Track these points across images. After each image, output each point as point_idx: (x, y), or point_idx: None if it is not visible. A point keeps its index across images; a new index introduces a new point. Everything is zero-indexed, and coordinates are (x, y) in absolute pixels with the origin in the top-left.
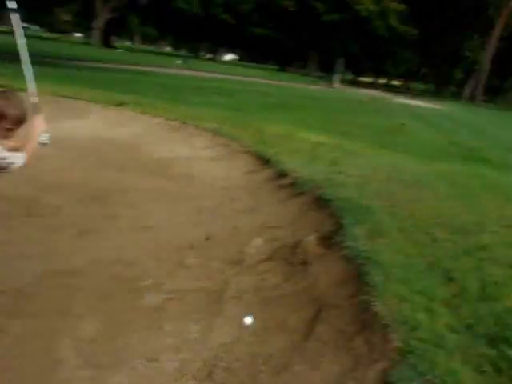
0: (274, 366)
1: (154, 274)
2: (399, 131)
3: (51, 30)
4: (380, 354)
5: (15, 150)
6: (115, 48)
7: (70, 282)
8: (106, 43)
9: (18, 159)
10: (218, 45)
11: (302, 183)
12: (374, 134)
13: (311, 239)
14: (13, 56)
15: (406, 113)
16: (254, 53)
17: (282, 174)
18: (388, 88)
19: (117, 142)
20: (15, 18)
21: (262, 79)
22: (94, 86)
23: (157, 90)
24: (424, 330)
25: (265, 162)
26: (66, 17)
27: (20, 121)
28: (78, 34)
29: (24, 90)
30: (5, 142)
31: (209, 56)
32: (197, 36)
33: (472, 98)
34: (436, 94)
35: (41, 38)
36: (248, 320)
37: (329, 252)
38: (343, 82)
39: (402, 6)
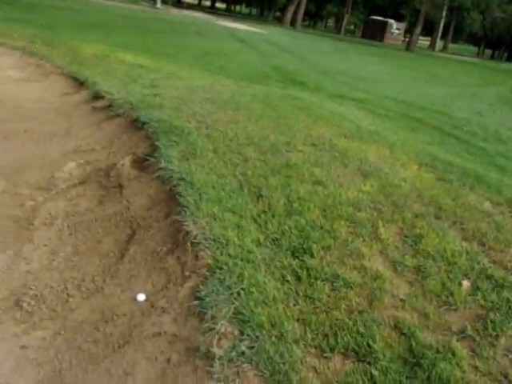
0: (86, 290)
1: None
2: (220, 54)
3: None
4: (191, 272)
5: None
6: None
7: None
8: None
9: None
10: None
11: (118, 105)
12: (195, 57)
13: (126, 162)
14: None
15: (228, 35)
16: None
17: (97, 96)
18: (212, 10)
19: None
20: None
21: None
22: None
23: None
24: (233, 246)
25: (80, 83)
26: None
27: None
28: None
29: None
30: None
31: None
32: None
33: (293, 23)
34: (259, 18)
35: None
36: (141, 297)
37: (143, 174)
38: (167, 3)
39: None
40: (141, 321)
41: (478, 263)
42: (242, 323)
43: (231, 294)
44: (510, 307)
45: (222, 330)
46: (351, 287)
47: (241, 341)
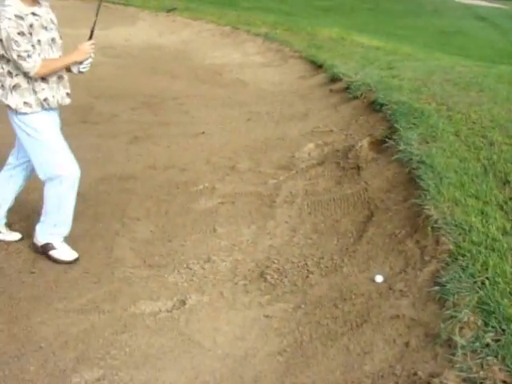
0: (324, 267)
1: (207, 179)
2: (458, 33)
3: None
4: (431, 257)
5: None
6: None
7: (127, 186)
8: None
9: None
10: None
11: (356, 88)
12: (431, 37)
13: (364, 144)
14: None
15: (467, 13)
16: None
17: (334, 79)
18: None
19: (168, 49)
20: None
21: None
22: None
23: None
24: (477, 233)
25: (317, 66)
26: None
27: None
28: None
29: None
30: None
31: None
32: None
33: None
34: None
35: None
36: (379, 278)
37: (382, 156)
38: None
39: None
40: (378, 302)
41: None
42: (487, 314)
43: (474, 282)
44: None
45: (465, 318)
46: None
47: (485, 332)
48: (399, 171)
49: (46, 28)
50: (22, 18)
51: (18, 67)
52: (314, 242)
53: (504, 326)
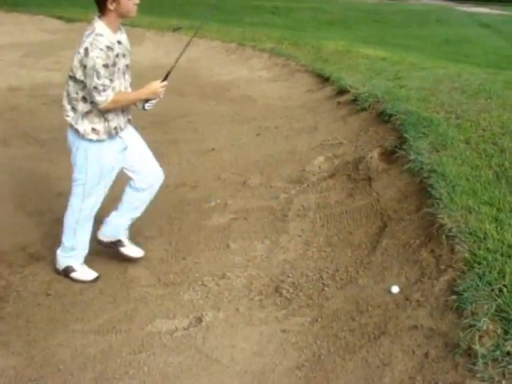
0: (340, 280)
1: (219, 195)
2: (462, 41)
3: None
4: (446, 266)
5: None
6: None
7: None
8: None
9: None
10: None
11: (363, 99)
12: (436, 46)
13: (374, 155)
14: None
15: (470, 21)
16: None
17: (342, 91)
18: None
19: (175, 68)
20: None
21: None
22: (150, 12)
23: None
24: (492, 241)
25: (324, 79)
26: None
27: None
28: None
29: None
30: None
31: None
32: None
33: None
34: None
35: None
36: (395, 289)
37: (392, 167)
38: None
39: None
40: (396, 313)
41: None
42: (506, 322)
43: (492, 290)
44: None
45: (484, 327)
46: None
47: (505, 340)
48: (411, 181)
49: (124, 55)
50: (112, 49)
51: (90, 95)
52: (328, 255)
53: None
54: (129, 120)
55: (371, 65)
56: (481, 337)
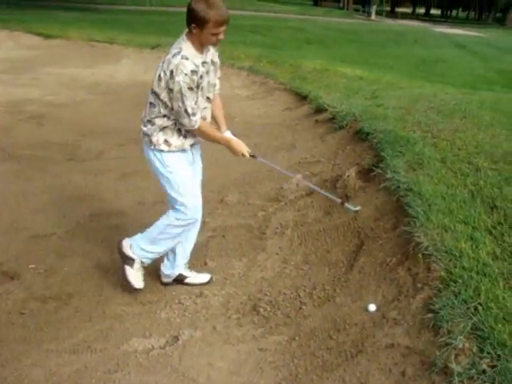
0: (317, 298)
1: None
2: (439, 61)
3: None
4: (423, 284)
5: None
6: None
7: (116, 223)
8: None
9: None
10: None
11: (341, 117)
12: (413, 65)
13: (351, 173)
14: None
15: (446, 42)
16: None
17: (320, 110)
18: (427, 18)
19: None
20: None
21: (296, 15)
22: (129, 29)
23: None
24: (467, 259)
25: (302, 98)
26: None
27: (223, 22)
28: None
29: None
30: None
31: None
32: None
33: None
34: (478, 22)
35: None
36: (372, 308)
37: (369, 185)
38: (380, 14)
39: None
40: (373, 331)
41: None
42: (481, 340)
43: (467, 308)
44: None
45: (460, 345)
46: None
47: (481, 358)
48: (387, 199)
49: (208, 73)
50: (196, 72)
51: (177, 117)
52: (305, 273)
53: (499, 352)
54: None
55: (349, 84)
56: (457, 355)
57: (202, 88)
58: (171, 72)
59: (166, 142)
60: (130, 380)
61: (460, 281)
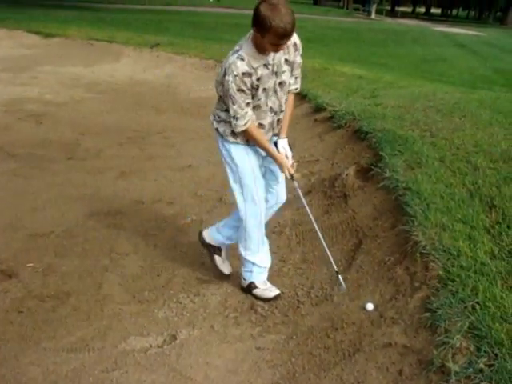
0: (315, 297)
1: (195, 212)
2: (438, 60)
3: None
4: (421, 283)
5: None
6: None
7: (114, 222)
8: None
9: (239, 120)
10: None
11: (340, 117)
12: (412, 65)
13: (350, 172)
14: None
15: (446, 41)
16: None
17: (319, 109)
18: (427, 17)
19: (153, 84)
20: None
21: (296, 13)
22: (128, 28)
23: (190, 29)
24: (465, 258)
25: (301, 97)
26: None
27: (284, 36)
28: None
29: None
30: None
31: None
32: None
33: None
34: (478, 21)
35: None
36: (370, 306)
37: (368, 184)
38: (380, 13)
39: None
40: (370, 330)
41: None
42: (479, 339)
43: (465, 307)
44: None
45: (457, 344)
46: None
47: (478, 357)
48: (386, 198)
49: (276, 73)
50: (250, 75)
51: None
52: (303, 272)
53: (496, 351)
54: (274, 135)
55: (348, 83)
56: (454, 354)
57: (265, 90)
58: (225, 69)
59: (232, 133)
60: (128, 379)
61: (458, 280)
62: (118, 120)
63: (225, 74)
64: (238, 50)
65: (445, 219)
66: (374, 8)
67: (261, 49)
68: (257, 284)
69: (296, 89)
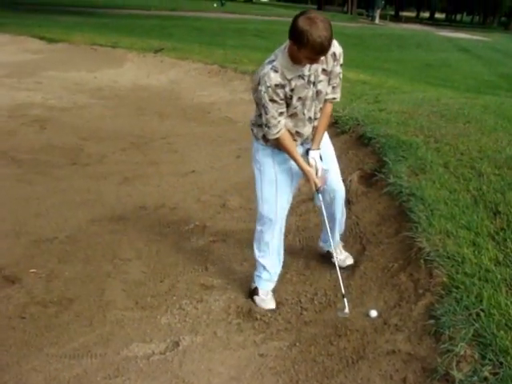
0: (318, 303)
1: (198, 217)
2: (442, 65)
3: None
4: (425, 290)
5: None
6: None
7: (117, 227)
8: None
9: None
10: None
11: (344, 122)
12: (416, 70)
13: (354, 177)
14: None
15: (450, 46)
16: None
17: None
18: (431, 22)
19: (156, 89)
20: None
21: None
22: (132, 33)
23: (195, 34)
24: (470, 265)
25: None
26: None
27: (320, 52)
28: None
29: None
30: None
31: None
32: None
33: None
34: (482, 26)
35: None
36: (373, 313)
37: (371, 190)
38: (385, 18)
39: None
40: (374, 337)
41: None
42: (483, 347)
43: (469, 314)
44: None
45: (462, 352)
46: None
47: (482, 365)
48: (390, 204)
49: (313, 83)
50: (283, 86)
51: None
52: (306, 279)
53: (501, 359)
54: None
55: (352, 88)
56: (458, 362)
57: (300, 99)
58: (259, 79)
59: (264, 137)
60: None
61: (462, 287)
62: (121, 125)
63: (259, 83)
64: (272, 61)
65: (449, 225)
66: (378, 13)
67: (296, 60)
68: (260, 292)
69: (334, 98)
